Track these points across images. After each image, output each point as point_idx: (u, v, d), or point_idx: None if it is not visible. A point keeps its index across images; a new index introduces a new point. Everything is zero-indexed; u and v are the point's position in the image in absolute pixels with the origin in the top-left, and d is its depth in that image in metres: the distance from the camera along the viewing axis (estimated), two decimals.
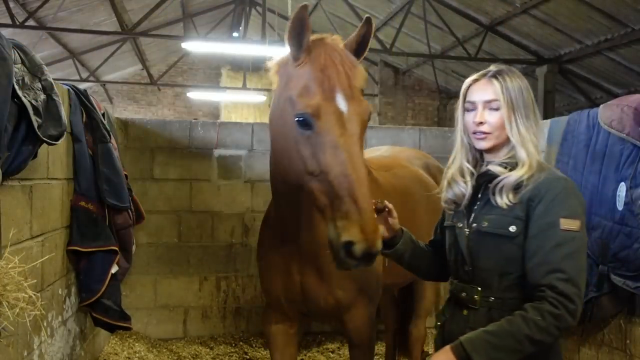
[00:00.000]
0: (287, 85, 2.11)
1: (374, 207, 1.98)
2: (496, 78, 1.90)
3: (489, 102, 1.90)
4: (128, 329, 3.59)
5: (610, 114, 3.36)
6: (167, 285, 5.07)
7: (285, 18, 14.74)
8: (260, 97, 15.74)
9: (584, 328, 3.57)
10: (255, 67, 16.01)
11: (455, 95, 17.31)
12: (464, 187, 1.98)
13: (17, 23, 9.70)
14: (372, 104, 16.14)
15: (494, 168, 1.91)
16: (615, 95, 9.82)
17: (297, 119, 2.00)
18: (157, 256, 5.04)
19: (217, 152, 5.12)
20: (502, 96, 1.87)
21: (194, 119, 8.44)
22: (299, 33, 2.03)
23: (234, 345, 4.98)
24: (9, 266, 2.05)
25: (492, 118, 1.89)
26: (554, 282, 1.72)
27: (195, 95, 16.95)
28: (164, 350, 4.76)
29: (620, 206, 3.16)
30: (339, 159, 1.91)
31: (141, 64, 17.18)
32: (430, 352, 4.92)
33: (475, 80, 1.95)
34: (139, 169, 4.92)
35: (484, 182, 1.95)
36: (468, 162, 2.00)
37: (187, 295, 5.11)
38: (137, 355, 4.54)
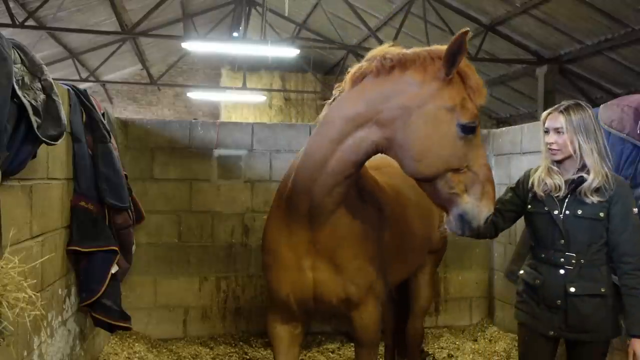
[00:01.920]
0: (437, 93, 2.36)
1: None
2: (563, 112, 2.65)
3: (556, 128, 2.66)
4: (128, 329, 3.59)
5: (610, 114, 3.36)
6: (167, 285, 5.07)
7: (286, 18, 14.75)
8: (260, 97, 15.73)
9: None
10: (255, 67, 16.00)
11: None
12: (560, 183, 2.68)
13: (17, 23, 9.70)
14: None
15: (584, 176, 2.64)
16: (615, 95, 9.79)
17: (465, 124, 2.35)
18: (157, 256, 5.04)
19: (217, 152, 5.12)
20: (566, 125, 2.63)
21: (194, 119, 8.44)
22: (455, 54, 2.27)
23: (234, 345, 4.98)
24: (9, 266, 2.05)
25: (559, 139, 2.66)
26: (638, 250, 2.62)
27: (195, 95, 16.95)
28: (164, 350, 4.76)
29: None
30: (482, 154, 2.45)
31: (141, 64, 17.20)
32: (429, 352, 4.94)
33: (550, 113, 2.72)
34: (139, 169, 4.92)
35: (575, 184, 2.65)
36: (554, 165, 2.73)
37: (187, 295, 5.11)
38: (137, 355, 4.54)
